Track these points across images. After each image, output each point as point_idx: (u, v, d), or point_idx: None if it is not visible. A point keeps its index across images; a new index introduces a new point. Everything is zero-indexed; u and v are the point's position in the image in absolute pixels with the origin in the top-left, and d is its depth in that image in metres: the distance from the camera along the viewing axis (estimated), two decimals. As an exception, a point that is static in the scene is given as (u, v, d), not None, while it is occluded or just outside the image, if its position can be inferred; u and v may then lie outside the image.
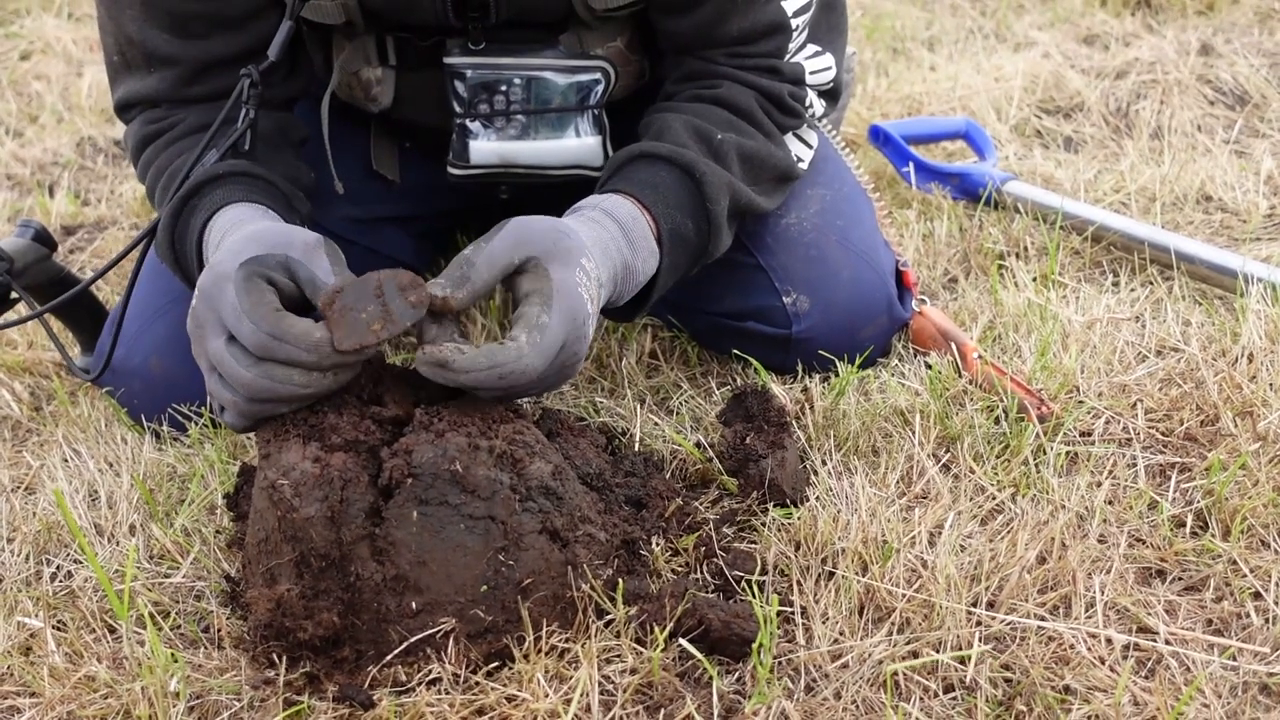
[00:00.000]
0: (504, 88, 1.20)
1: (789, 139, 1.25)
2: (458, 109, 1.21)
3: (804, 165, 1.27)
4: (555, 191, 1.30)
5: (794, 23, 1.20)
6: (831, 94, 1.30)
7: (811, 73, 1.24)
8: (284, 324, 0.88)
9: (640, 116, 1.23)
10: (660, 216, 1.09)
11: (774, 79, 1.21)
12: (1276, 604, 0.92)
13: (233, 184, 1.08)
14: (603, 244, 1.03)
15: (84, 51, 2.61)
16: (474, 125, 1.22)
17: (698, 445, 1.14)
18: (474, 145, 1.22)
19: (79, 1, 2.88)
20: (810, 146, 1.29)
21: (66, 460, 1.21)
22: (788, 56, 1.22)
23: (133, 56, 1.17)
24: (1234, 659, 0.87)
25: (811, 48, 1.25)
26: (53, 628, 0.96)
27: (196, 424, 1.22)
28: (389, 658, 0.86)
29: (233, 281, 0.89)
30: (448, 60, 1.19)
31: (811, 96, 1.26)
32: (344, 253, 0.97)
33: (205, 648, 0.94)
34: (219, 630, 0.95)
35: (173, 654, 0.91)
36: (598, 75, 1.21)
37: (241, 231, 0.97)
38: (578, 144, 1.23)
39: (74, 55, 2.60)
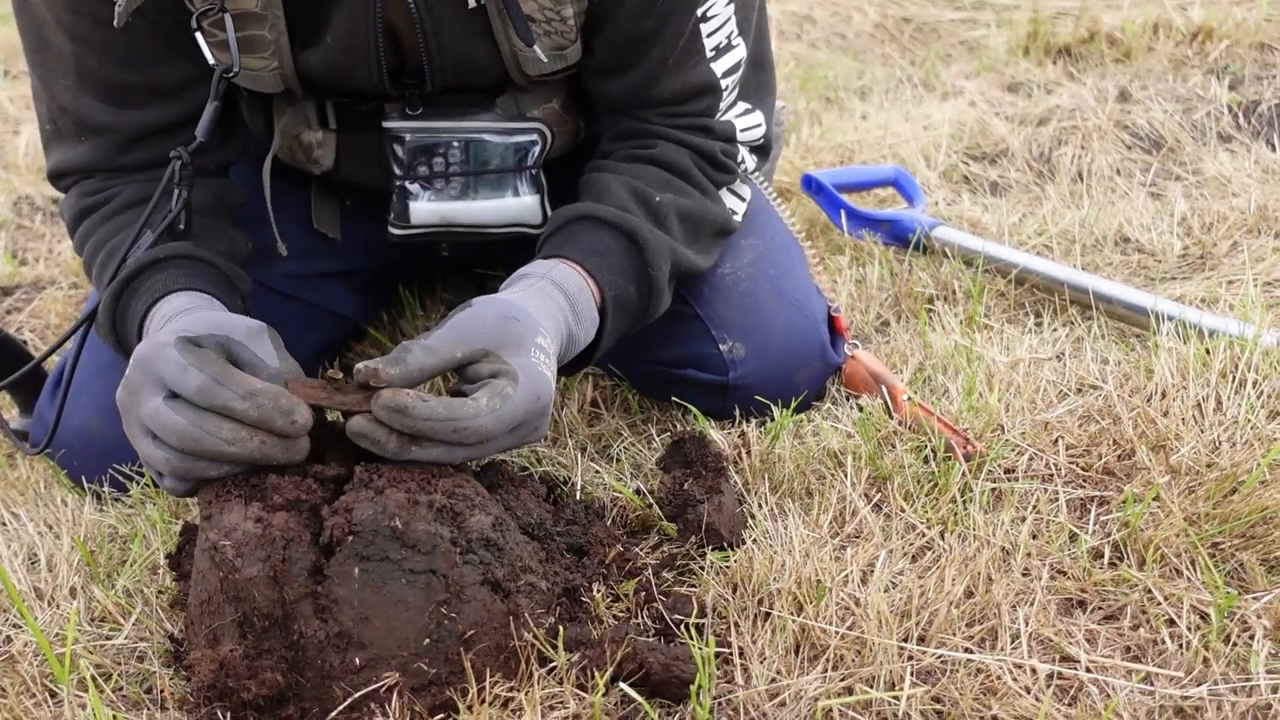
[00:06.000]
0: (442, 150, 1.23)
1: (723, 194, 1.30)
2: (397, 171, 1.24)
3: (739, 218, 1.31)
4: (495, 248, 1.33)
5: (724, 83, 1.24)
6: (762, 149, 1.35)
7: (742, 130, 1.29)
8: (228, 371, 0.90)
9: (577, 174, 1.26)
10: (605, 285, 1.12)
11: (706, 137, 1.26)
12: (1189, 630, 0.97)
13: (173, 269, 1.09)
14: (551, 315, 1.05)
15: (20, 109, 2.60)
16: (414, 187, 1.25)
17: (638, 492, 1.17)
18: (414, 206, 1.25)
19: (15, 59, 2.87)
20: (744, 200, 1.33)
21: (4, 523, 1.20)
22: (719, 115, 1.26)
23: (65, 125, 1.17)
24: (1150, 684, 0.92)
25: (742, 105, 1.30)
26: (-8, 695, 0.96)
27: (138, 484, 1.22)
28: (334, 714, 0.87)
29: (172, 345, 0.91)
30: (386, 124, 1.22)
31: (743, 153, 1.31)
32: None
33: (149, 709, 0.94)
34: (162, 691, 0.95)
35: (115, 716, 0.91)
36: (534, 136, 1.25)
37: (185, 318, 0.99)
38: (516, 203, 1.26)
39: (10, 113, 2.59)
